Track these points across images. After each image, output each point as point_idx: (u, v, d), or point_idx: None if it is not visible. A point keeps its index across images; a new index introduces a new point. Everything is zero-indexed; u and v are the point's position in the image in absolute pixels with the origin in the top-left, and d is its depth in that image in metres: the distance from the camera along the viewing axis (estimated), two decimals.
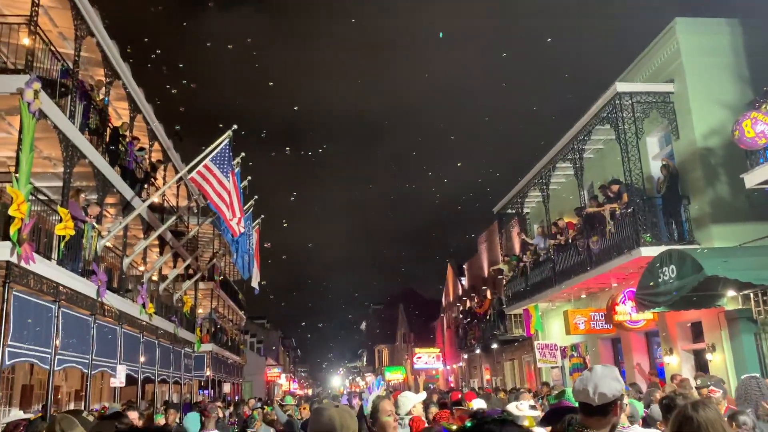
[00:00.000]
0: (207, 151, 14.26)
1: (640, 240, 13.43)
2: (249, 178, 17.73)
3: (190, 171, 14.77)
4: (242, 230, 14.78)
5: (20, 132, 10.04)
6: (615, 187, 14.52)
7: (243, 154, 15.91)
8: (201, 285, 26.97)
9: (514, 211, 23.46)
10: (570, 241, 17.16)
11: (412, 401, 5.50)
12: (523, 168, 21.34)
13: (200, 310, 28.30)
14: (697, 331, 14.08)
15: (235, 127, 14.24)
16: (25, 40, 11.41)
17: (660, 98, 14.41)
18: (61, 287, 11.46)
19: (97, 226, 13.34)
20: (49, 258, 11.27)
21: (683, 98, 14.06)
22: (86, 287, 12.71)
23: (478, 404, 7.42)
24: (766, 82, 11.86)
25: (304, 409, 12.21)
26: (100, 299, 13.32)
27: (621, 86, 14.34)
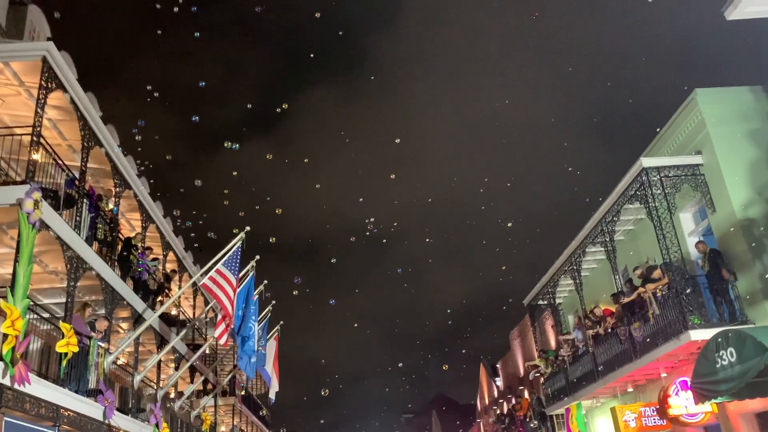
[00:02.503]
0: (219, 255, 13.69)
1: (687, 323, 12.35)
2: (265, 281, 17.06)
3: (203, 277, 14.14)
4: (229, 330, 13.85)
5: (18, 243, 9.55)
6: (656, 273, 13.53)
7: (258, 257, 15.32)
8: (221, 401, 25.66)
9: (546, 302, 22.31)
10: (610, 330, 15.97)
11: None
12: (552, 256, 20.44)
13: (222, 428, 26.82)
14: (765, 423, 12.58)
15: (248, 228, 13.75)
16: (35, 156, 11.22)
17: (689, 171, 13.74)
18: (62, 410, 10.55)
19: (102, 344, 12.57)
20: (56, 380, 10.48)
21: (714, 169, 13.35)
22: (92, 409, 11.76)
23: None
24: None
25: None
26: (107, 421, 12.33)
27: (647, 161, 13.73)
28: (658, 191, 13.58)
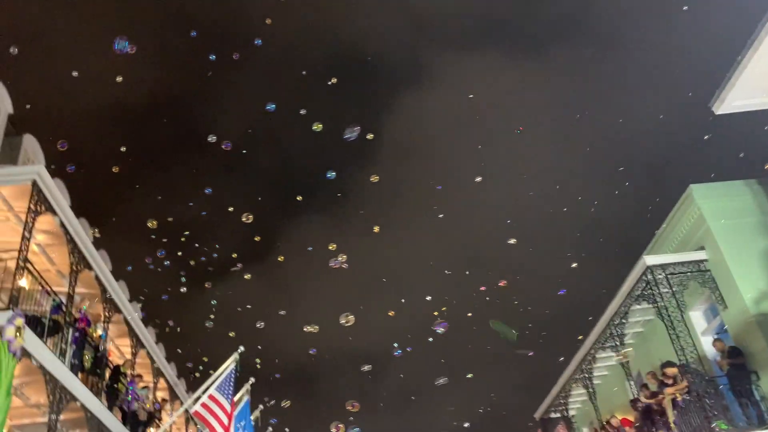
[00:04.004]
0: (212, 379, 12.94)
1: (713, 429, 11.53)
2: (260, 407, 16.11)
3: (195, 404, 13.29)
4: None
5: None
6: (671, 370, 12.84)
7: (252, 379, 14.54)
8: None
9: (558, 415, 21.16)
10: None
11: None
12: (558, 366, 19.65)
13: None
14: None
15: (241, 349, 13.07)
16: (23, 281, 10.86)
17: (695, 267, 13.42)
18: None
19: None
20: None
21: (720, 264, 13.04)
22: None
23: None
24: None
25: None
26: None
27: (650, 259, 13.44)
28: (666, 290, 13.18)
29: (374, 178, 16.01)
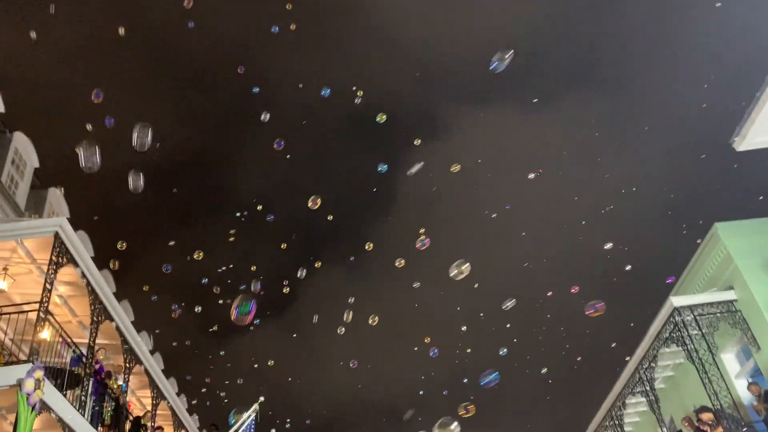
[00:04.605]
0: (234, 428, 12.77)
1: None
2: None
3: None
4: None
5: (15, 428, 8.87)
6: (707, 416, 12.35)
7: (274, 430, 14.29)
8: None
9: None
10: None
11: None
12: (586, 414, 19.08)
13: None
14: None
15: (262, 399, 12.93)
16: (44, 333, 10.90)
17: (724, 308, 13.03)
18: None
19: None
20: None
21: (751, 304, 12.65)
22: None
23: None
24: None
25: None
26: None
27: (677, 300, 13.09)
28: (695, 331, 12.80)
29: (455, 167, 15.84)
